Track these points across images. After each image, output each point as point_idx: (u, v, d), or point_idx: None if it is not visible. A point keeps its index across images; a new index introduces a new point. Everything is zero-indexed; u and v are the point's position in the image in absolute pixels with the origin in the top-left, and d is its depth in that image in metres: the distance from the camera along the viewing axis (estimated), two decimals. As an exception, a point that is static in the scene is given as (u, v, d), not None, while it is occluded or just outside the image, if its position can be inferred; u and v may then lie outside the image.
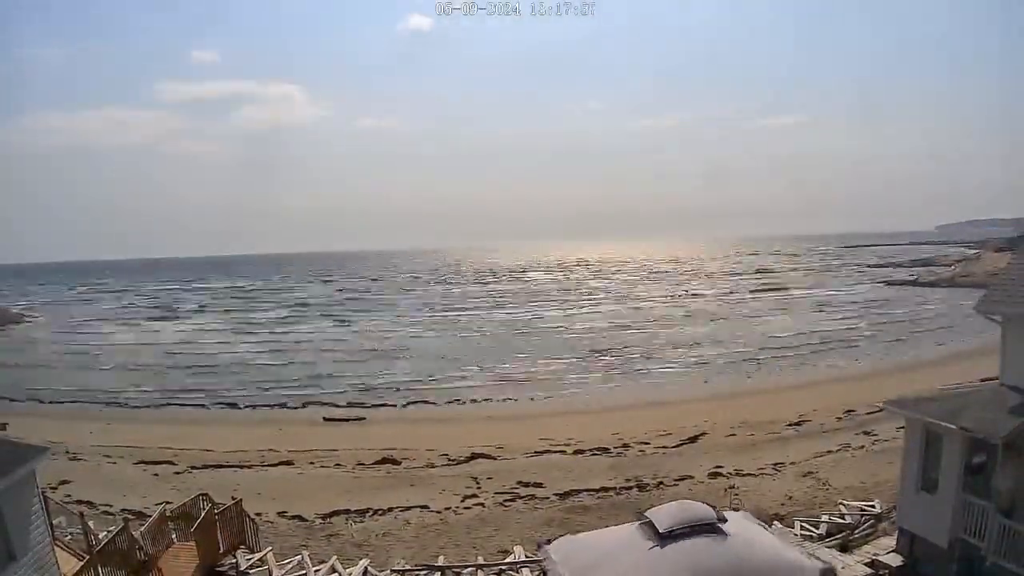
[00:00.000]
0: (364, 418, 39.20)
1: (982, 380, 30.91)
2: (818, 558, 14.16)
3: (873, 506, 19.93)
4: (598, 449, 30.05)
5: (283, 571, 16.97)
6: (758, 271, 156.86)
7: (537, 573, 16.55)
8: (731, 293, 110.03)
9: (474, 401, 43.69)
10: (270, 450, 31.27)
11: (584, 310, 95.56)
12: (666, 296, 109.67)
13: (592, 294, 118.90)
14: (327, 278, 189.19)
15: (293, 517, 22.47)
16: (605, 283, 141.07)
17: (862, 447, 27.83)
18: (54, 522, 14.84)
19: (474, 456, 29.51)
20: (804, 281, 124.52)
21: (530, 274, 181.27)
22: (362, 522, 22.17)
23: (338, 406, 42.49)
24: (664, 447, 30.05)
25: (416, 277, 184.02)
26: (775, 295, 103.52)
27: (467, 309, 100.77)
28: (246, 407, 43.62)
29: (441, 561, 18.06)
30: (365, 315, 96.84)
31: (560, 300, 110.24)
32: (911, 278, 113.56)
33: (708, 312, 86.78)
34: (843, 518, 19.44)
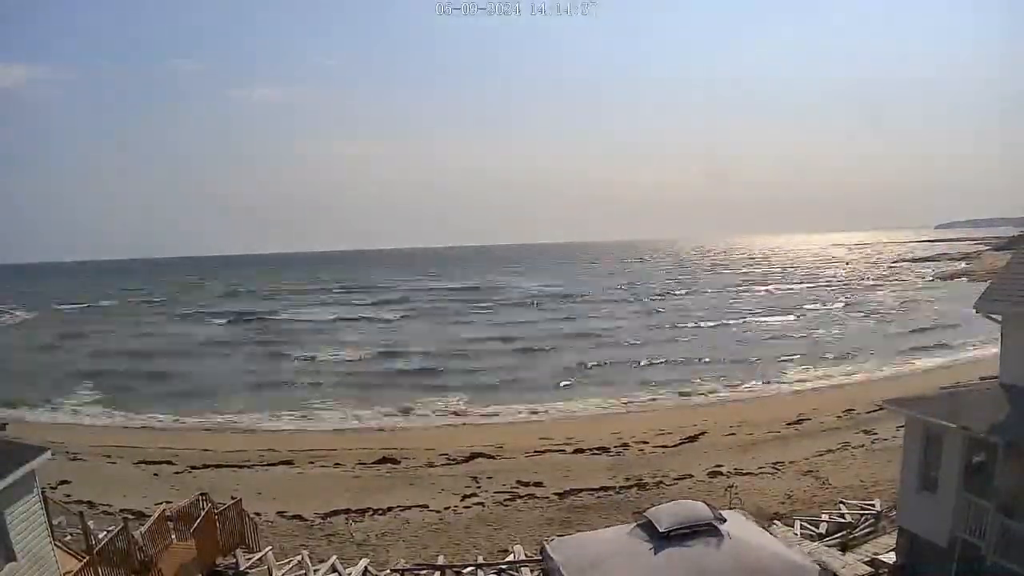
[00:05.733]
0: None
1: (982, 379, 31.08)
2: (816, 558, 14.20)
3: (873, 505, 19.96)
4: (598, 449, 30.04)
5: (283, 571, 16.96)
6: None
7: (537, 573, 16.56)
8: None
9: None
10: (270, 450, 31.26)
11: None
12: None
13: None
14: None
15: (293, 517, 22.44)
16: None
17: (862, 446, 27.83)
18: (54, 522, 14.82)
19: (474, 456, 29.49)
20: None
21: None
22: (362, 521, 22.14)
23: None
24: (664, 446, 30.05)
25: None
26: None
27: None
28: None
29: (441, 560, 18.09)
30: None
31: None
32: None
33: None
34: (843, 517, 19.48)
